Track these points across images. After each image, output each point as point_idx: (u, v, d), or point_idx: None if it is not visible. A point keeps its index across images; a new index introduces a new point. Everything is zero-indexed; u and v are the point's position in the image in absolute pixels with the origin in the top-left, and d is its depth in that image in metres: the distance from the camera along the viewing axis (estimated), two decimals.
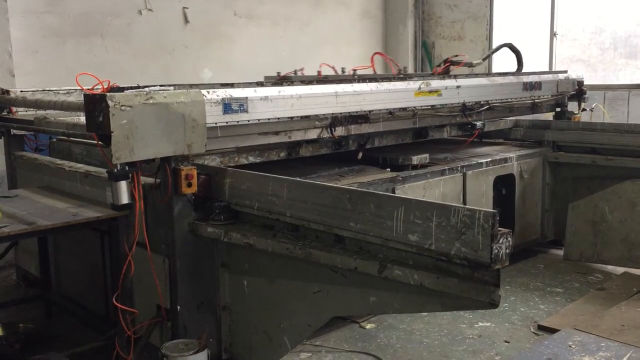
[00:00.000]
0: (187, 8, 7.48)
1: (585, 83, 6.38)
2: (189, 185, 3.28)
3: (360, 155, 4.72)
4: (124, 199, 3.17)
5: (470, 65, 5.84)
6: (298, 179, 3.17)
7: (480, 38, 9.29)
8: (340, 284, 2.88)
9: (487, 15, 9.21)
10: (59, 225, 3.43)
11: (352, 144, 4.65)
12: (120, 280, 3.34)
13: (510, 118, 6.19)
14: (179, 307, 3.41)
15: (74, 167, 4.24)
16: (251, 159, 4.10)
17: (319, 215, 2.90)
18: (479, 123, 5.65)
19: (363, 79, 4.92)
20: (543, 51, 6.86)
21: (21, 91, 4.69)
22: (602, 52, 8.41)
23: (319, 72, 6.15)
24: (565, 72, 6.39)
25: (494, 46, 8.93)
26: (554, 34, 8.64)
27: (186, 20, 7.49)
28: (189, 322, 3.44)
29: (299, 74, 6.25)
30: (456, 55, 5.89)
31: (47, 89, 4.91)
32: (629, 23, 8.08)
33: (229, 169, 3.48)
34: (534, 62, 6.39)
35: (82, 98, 3.20)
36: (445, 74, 5.72)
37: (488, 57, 5.89)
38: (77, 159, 4.53)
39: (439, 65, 6.01)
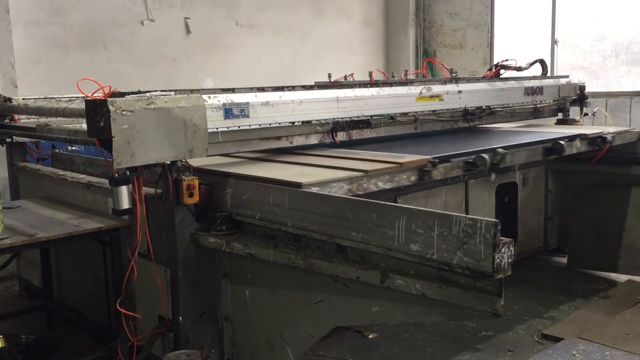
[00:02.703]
0: (189, 18, 7.51)
1: (587, 90, 6.36)
2: (191, 195, 3.27)
3: (493, 176, 4.45)
4: (125, 203, 3.17)
5: (519, 69, 5.92)
6: (300, 189, 3.16)
7: (481, 46, 9.31)
8: (342, 294, 2.88)
9: (487, 24, 9.23)
10: (61, 236, 3.43)
11: (488, 162, 4.10)
12: (123, 286, 3.34)
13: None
14: (181, 318, 3.40)
15: (76, 178, 4.25)
16: (381, 185, 3.63)
17: (321, 225, 2.90)
18: (609, 137, 5.06)
19: (364, 84, 4.92)
20: (544, 59, 6.91)
21: (23, 99, 4.71)
22: (604, 59, 8.41)
23: (371, 76, 6.37)
24: (567, 76, 6.39)
25: (495, 54, 9.17)
26: (555, 42, 8.65)
27: (188, 31, 7.52)
28: (191, 333, 3.43)
29: (349, 79, 6.50)
30: (507, 60, 5.98)
31: (49, 96, 4.93)
32: (630, 30, 8.08)
33: (230, 179, 3.47)
34: (536, 70, 6.40)
35: (83, 105, 3.20)
36: (497, 77, 5.78)
37: (531, 66, 6.12)
38: (79, 169, 4.54)
39: (490, 69, 6.09)
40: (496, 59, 8.68)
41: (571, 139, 4.86)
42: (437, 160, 3.89)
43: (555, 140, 4.75)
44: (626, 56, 8.22)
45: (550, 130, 5.58)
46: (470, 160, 4.07)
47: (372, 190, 3.52)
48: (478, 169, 4.12)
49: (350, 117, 4.35)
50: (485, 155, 4.08)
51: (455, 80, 5.40)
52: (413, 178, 3.80)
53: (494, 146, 4.27)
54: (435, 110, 4.96)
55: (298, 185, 3.17)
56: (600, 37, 8.41)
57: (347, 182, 3.40)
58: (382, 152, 4.11)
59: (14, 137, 4.86)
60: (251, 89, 3.90)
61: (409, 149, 4.30)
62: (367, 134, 4.56)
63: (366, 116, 4.45)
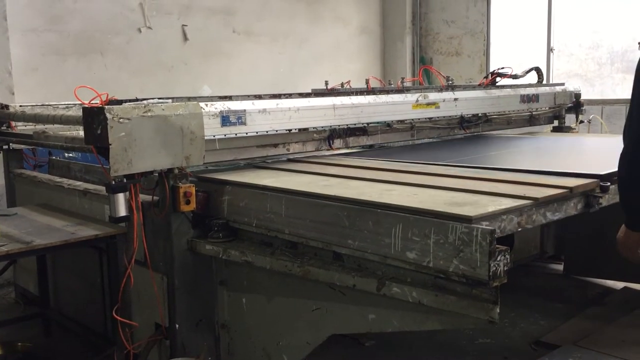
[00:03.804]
0: (186, 26, 7.53)
1: (582, 98, 6.40)
2: (188, 202, 3.27)
3: None
4: (122, 211, 3.17)
5: (515, 77, 5.94)
6: (297, 197, 3.17)
7: (477, 54, 9.35)
8: (339, 302, 2.88)
9: (484, 31, 9.27)
10: (57, 244, 3.43)
11: None
12: (120, 294, 3.34)
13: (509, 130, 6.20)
14: (177, 325, 3.40)
15: (73, 185, 4.24)
16: (549, 216, 3.07)
17: (317, 233, 2.90)
18: None
19: (361, 91, 4.94)
20: (540, 66, 6.98)
21: (20, 106, 4.72)
22: (599, 67, 8.45)
23: (367, 83, 6.36)
24: (563, 84, 6.42)
25: (491, 61, 9.22)
26: (551, 49, 8.69)
27: (185, 38, 7.54)
28: (188, 340, 3.43)
29: (346, 86, 6.49)
30: (503, 67, 5.99)
31: (47, 103, 4.93)
32: (625, 38, 8.13)
33: (227, 186, 3.47)
34: (532, 78, 6.45)
35: (80, 112, 3.21)
36: (493, 84, 5.80)
37: (527, 74, 6.14)
38: (76, 176, 4.53)
39: (486, 77, 6.11)
40: (492, 67, 8.73)
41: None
42: (607, 183, 3.27)
43: None
44: (621, 64, 8.26)
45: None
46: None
47: (540, 223, 2.99)
48: None
49: (347, 125, 4.36)
50: None
51: (452, 87, 5.42)
52: (580, 206, 3.22)
53: None
54: (432, 118, 4.98)
55: (468, 219, 2.48)
56: (595, 45, 8.45)
57: (517, 214, 2.81)
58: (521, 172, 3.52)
59: (10, 144, 4.86)
60: (248, 96, 3.91)
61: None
62: (364, 141, 4.58)
63: (363, 123, 4.46)
